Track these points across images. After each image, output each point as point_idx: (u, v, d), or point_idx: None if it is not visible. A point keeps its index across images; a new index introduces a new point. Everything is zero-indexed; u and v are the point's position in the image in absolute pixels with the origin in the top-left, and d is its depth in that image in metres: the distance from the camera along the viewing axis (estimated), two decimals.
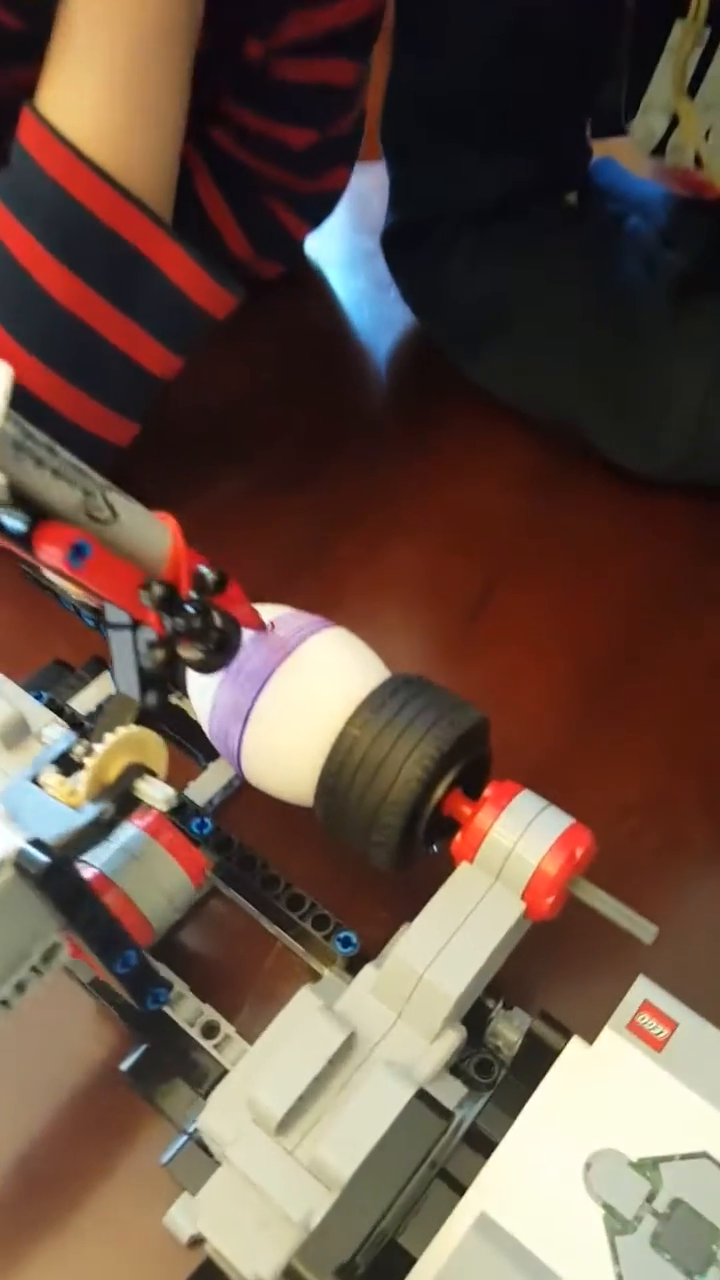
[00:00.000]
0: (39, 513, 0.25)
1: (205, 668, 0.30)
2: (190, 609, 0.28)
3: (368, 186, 0.72)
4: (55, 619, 0.50)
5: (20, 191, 0.42)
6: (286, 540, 0.54)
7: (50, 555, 0.25)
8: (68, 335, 0.44)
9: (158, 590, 0.27)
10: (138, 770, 0.30)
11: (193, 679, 0.37)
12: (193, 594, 0.29)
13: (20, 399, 0.45)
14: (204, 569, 0.29)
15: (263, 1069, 0.29)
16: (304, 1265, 0.27)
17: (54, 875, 0.28)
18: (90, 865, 0.35)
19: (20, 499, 0.25)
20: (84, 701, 0.45)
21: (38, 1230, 0.34)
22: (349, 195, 0.68)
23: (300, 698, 0.34)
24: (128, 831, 0.35)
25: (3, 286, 0.43)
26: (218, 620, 0.29)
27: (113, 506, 0.26)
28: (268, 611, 0.37)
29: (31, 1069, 0.37)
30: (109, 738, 0.29)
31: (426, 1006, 0.31)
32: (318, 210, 0.67)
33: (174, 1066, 0.35)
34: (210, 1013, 0.36)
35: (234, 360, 0.62)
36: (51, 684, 0.46)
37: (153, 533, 0.28)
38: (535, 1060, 0.31)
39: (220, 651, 0.29)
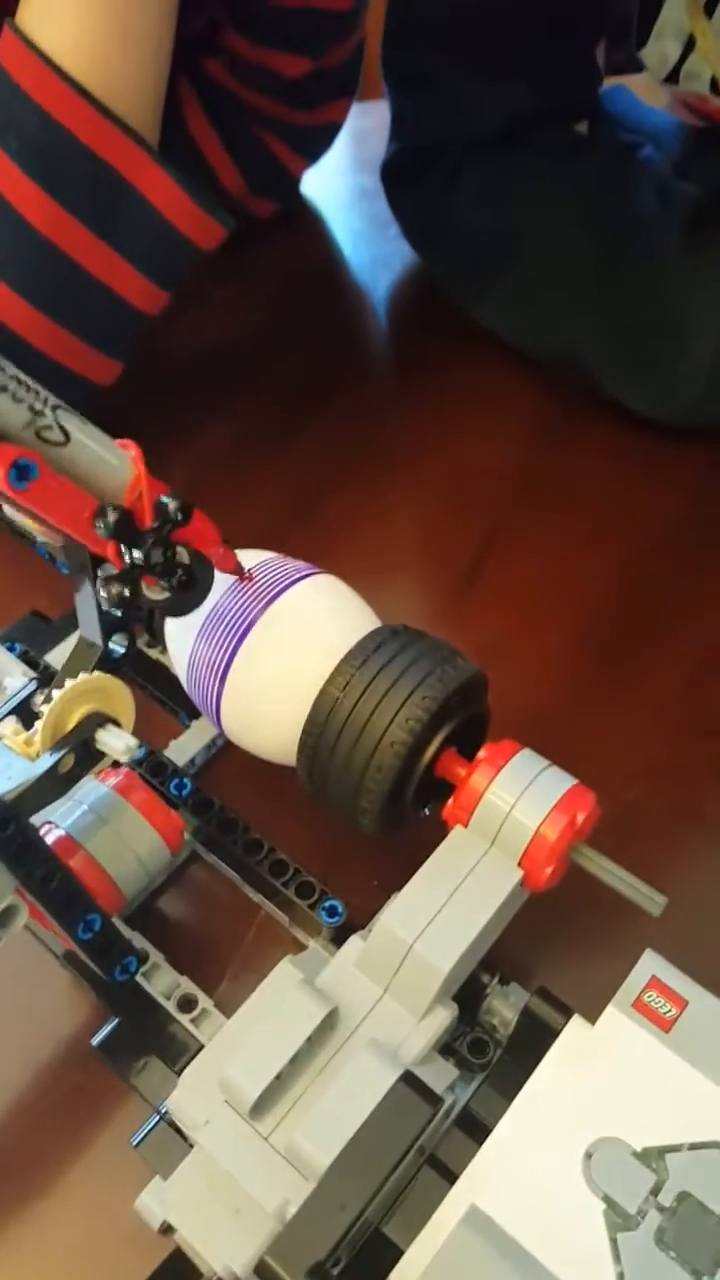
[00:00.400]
0: None
1: (172, 608, 0.27)
2: (150, 540, 0.26)
3: (367, 125, 0.70)
4: (35, 569, 0.47)
5: None
6: (274, 492, 0.51)
7: None
8: (45, 265, 0.42)
9: (112, 516, 0.25)
10: (99, 719, 0.27)
11: (171, 630, 0.35)
12: (155, 525, 0.26)
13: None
14: (165, 498, 0.26)
15: (237, 1047, 0.27)
16: (277, 1261, 0.24)
17: (1, 826, 0.25)
18: (57, 827, 0.32)
19: None
20: (60, 655, 0.43)
21: (1, 1213, 0.32)
22: (347, 133, 0.65)
23: (281, 649, 0.32)
24: (98, 791, 0.33)
25: None
26: (183, 555, 0.26)
27: (64, 428, 0.24)
28: (250, 557, 0.34)
29: None
30: (69, 684, 0.27)
31: (415, 981, 0.28)
32: (314, 145, 0.65)
33: (148, 1042, 0.33)
34: (188, 985, 0.34)
35: (225, 301, 0.59)
36: (27, 636, 0.43)
37: (110, 459, 0.25)
38: (533, 1040, 0.29)
39: (186, 590, 0.27)
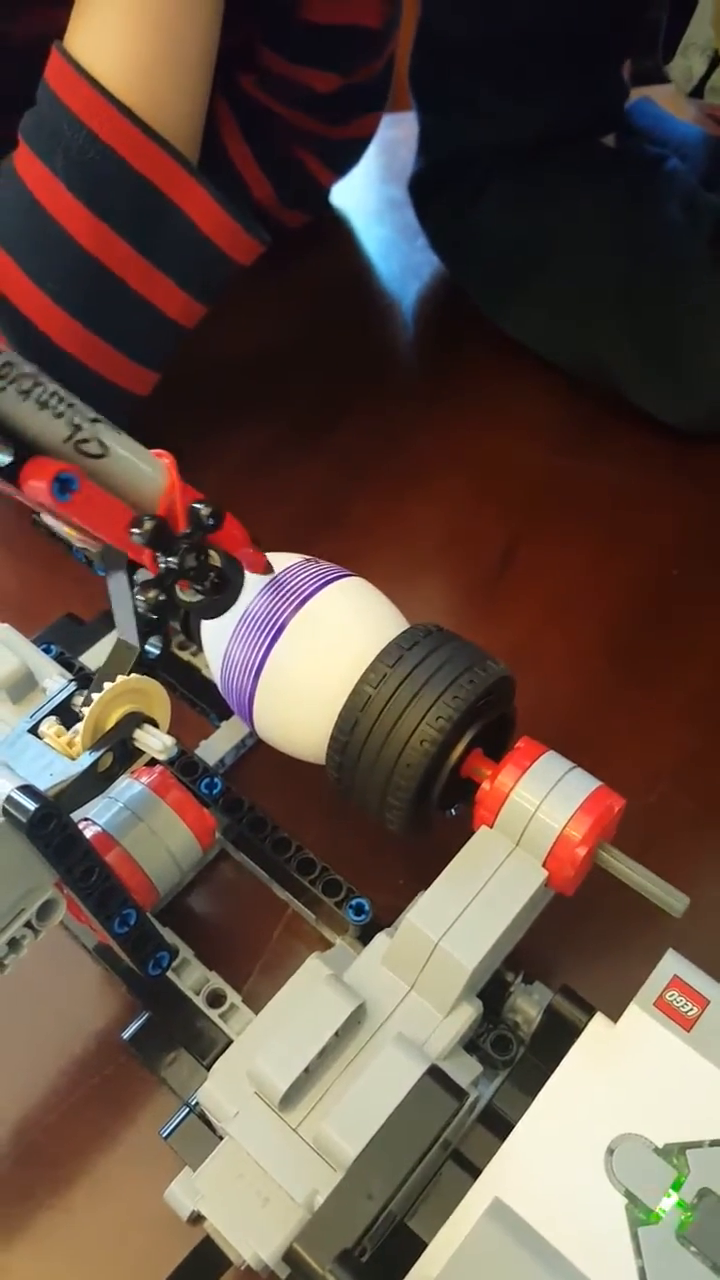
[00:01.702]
0: (25, 447, 0.24)
1: (205, 611, 0.28)
2: (184, 546, 0.27)
3: (395, 136, 0.70)
4: (69, 573, 0.49)
5: (45, 131, 0.41)
6: (304, 495, 0.52)
7: (36, 490, 0.23)
8: (89, 280, 0.43)
9: (149, 525, 0.25)
10: (137, 719, 0.28)
11: (207, 632, 0.36)
12: (188, 531, 0.27)
13: (38, 345, 0.44)
14: (198, 504, 0.27)
15: (267, 1040, 0.28)
16: (306, 1249, 0.25)
17: (43, 822, 0.26)
18: (94, 823, 0.33)
19: (6, 431, 0.23)
20: (95, 656, 0.44)
21: (33, 1202, 0.32)
22: (375, 144, 0.66)
23: (314, 649, 0.32)
24: (133, 789, 0.34)
25: (24, 229, 0.42)
26: (215, 559, 0.27)
27: (103, 441, 0.25)
28: (282, 559, 0.35)
29: (31, 1035, 0.35)
30: (107, 686, 0.28)
31: (441, 978, 0.29)
32: (345, 158, 0.65)
33: (177, 1036, 0.33)
34: (216, 980, 0.35)
35: (255, 311, 0.60)
36: (62, 638, 0.44)
37: (146, 470, 0.26)
38: (556, 1038, 0.29)
39: (219, 592, 0.28)
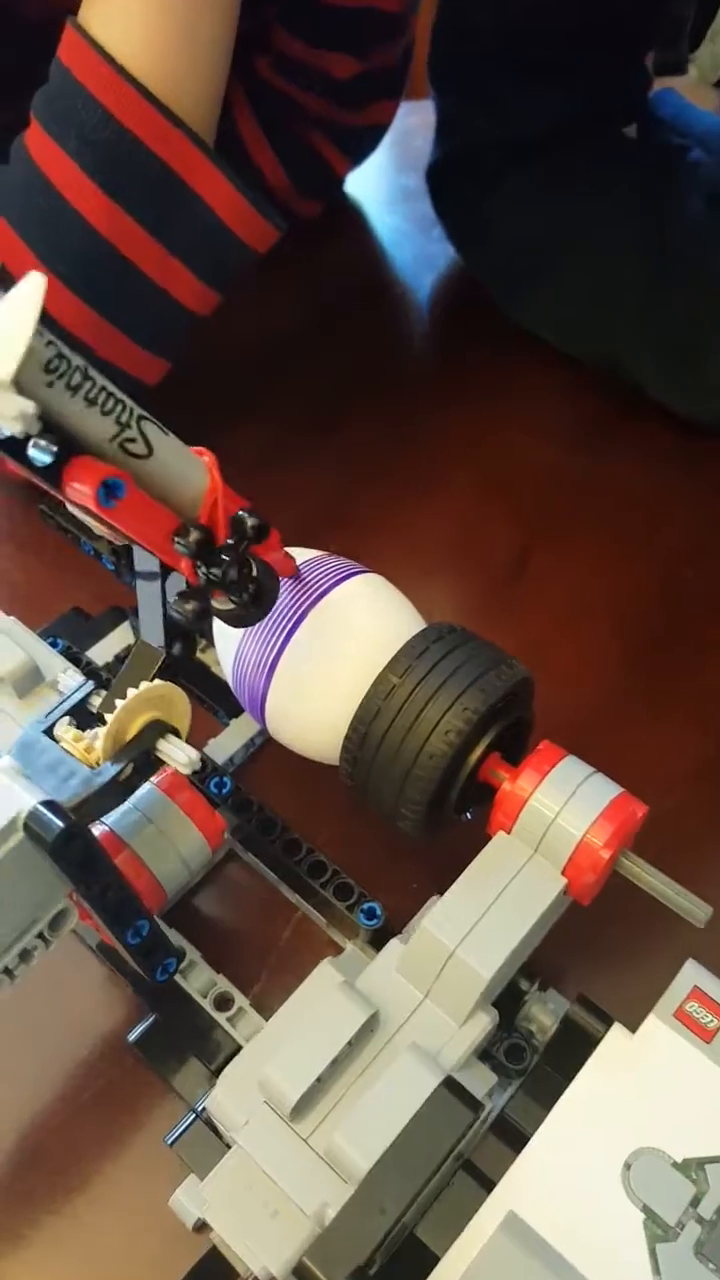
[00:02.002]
0: (68, 444, 0.23)
1: (239, 621, 0.27)
2: (227, 558, 0.26)
3: (411, 125, 0.69)
4: (76, 565, 0.48)
5: (58, 111, 0.40)
6: (311, 492, 0.51)
7: (79, 494, 0.22)
8: (103, 266, 0.42)
9: (194, 536, 0.24)
10: (160, 729, 0.27)
11: (219, 629, 0.35)
12: (229, 541, 0.26)
13: (50, 329, 0.43)
14: (244, 514, 0.26)
15: (278, 1048, 0.27)
16: (317, 1265, 0.24)
17: (68, 842, 0.25)
18: (101, 823, 0.32)
19: (50, 428, 0.22)
20: (101, 651, 0.43)
21: (35, 1207, 0.32)
22: (391, 133, 0.65)
23: (328, 648, 0.31)
24: (142, 789, 0.33)
25: (36, 210, 0.41)
26: (255, 570, 0.26)
27: (148, 439, 0.23)
28: (297, 554, 0.34)
29: (34, 1036, 0.35)
30: (132, 693, 0.27)
31: (456, 987, 0.28)
32: (360, 146, 0.64)
33: (184, 1040, 0.33)
34: (224, 984, 0.34)
35: (266, 300, 0.59)
36: (69, 632, 0.44)
37: (189, 471, 0.25)
38: (571, 1048, 0.29)
39: (256, 604, 0.26)
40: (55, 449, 0.22)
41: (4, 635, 0.37)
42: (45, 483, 0.23)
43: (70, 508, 0.24)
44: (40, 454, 0.22)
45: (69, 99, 0.40)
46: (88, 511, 0.23)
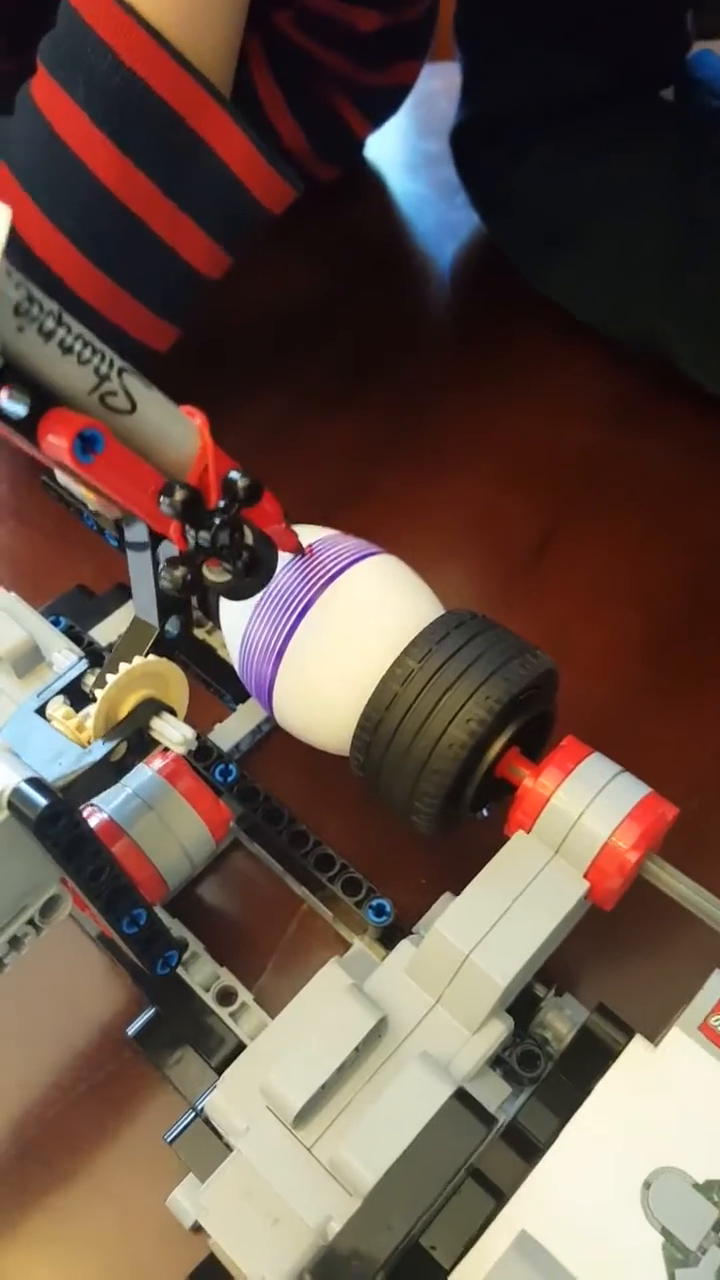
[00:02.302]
0: (45, 397, 0.21)
1: (234, 593, 0.26)
2: (217, 521, 0.24)
3: (434, 88, 0.67)
4: (81, 540, 0.46)
5: (66, 56, 0.38)
6: (325, 467, 0.49)
7: (55, 447, 0.21)
8: (110, 222, 0.40)
9: (180, 495, 0.23)
10: (154, 707, 0.26)
11: (225, 610, 0.34)
12: (221, 504, 0.25)
13: (53, 291, 0.41)
14: (235, 474, 0.25)
15: (281, 1052, 0.26)
16: None
17: (52, 819, 0.24)
18: (100, 810, 0.31)
19: (23, 378, 0.21)
20: (105, 631, 0.42)
21: (28, 1201, 0.31)
22: (413, 96, 0.63)
23: (340, 633, 0.30)
24: (143, 775, 0.32)
25: (41, 163, 0.39)
26: (249, 537, 0.25)
27: (130, 393, 0.22)
28: (309, 533, 0.33)
29: (31, 1026, 0.34)
30: (123, 668, 0.25)
31: (470, 993, 0.27)
32: (382, 107, 0.62)
33: (185, 1034, 0.32)
34: (227, 977, 0.33)
35: (281, 267, 0.58)
36: (72, 610, 0.42)
37: (177, 430, 0.24)
38: (588, 1058, 0.28)
39: (251, 574, 0.25)
40: (29, 401, 0.21)
41: (3, 613, 0.36)
42: (20, 437, 0.22)
43: (60, 477, 0.23)
44: (13, 405, 0.21)
45: (77, 43, 0.38)
46: (66, 470, 0.22)
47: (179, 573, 0.24)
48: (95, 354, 0.22)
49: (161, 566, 0.25)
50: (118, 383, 0.22)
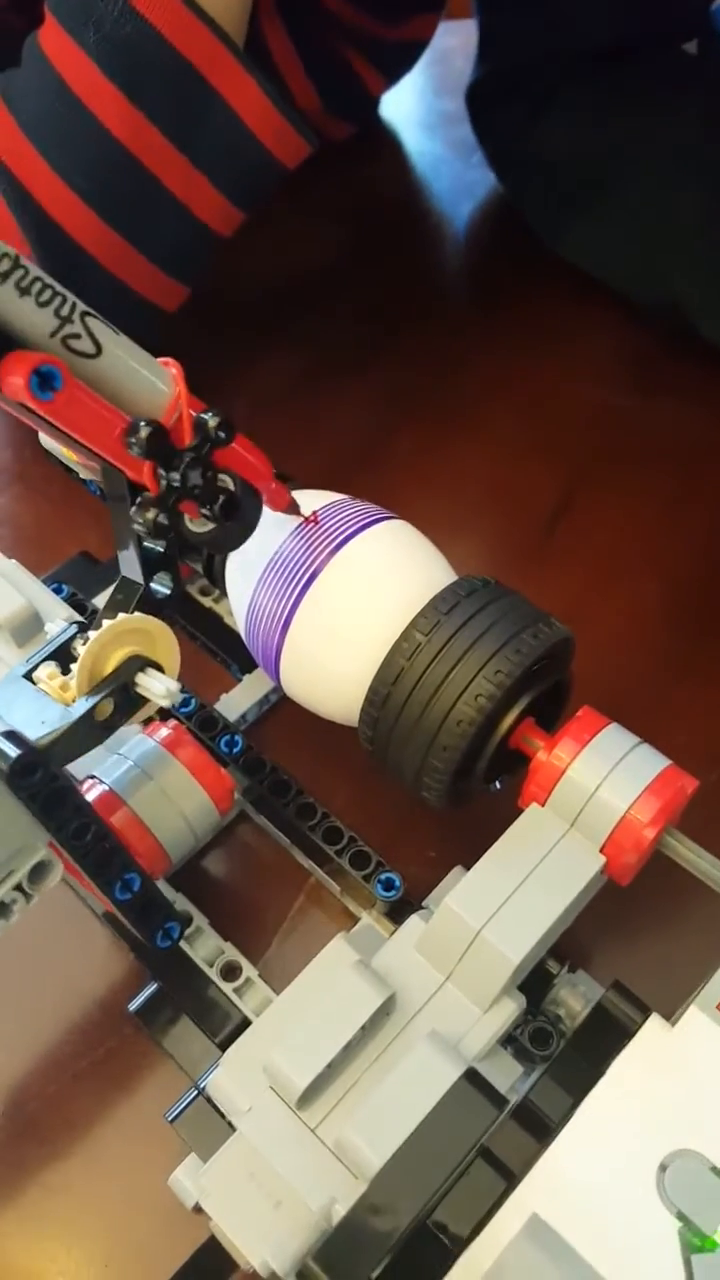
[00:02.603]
0: (4, 340, 0.21)
1: (216, 542, 0.25)
2: (189, 459, 0.23)
3: (450, 45, 0.66)
4: (85, 507, 0.46)
5: (76, 5, 0.37)
6: (340, 431, 0.48)
7: (13, 387, 0.20)
8: (121, 177, 0.39)
9: (145, 431, 0.22)
10: (139, 663, 0.25)
11: (231, 574, 0.33)
12: (193, 444, 0.24)
13: (61, 247, 0.40)
14: (206, 415, 0.24)
15: (286, 1030, 0.26)
16: (323, 1268, 0.23)
17: (26, 771, 0.23)
18: (101, 781, 0.30)
19: None
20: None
21: (28, 1178, 0.31)
22: (429, 54, 0.62)
23: (349, 601, 0.29)
24: (144, 745, 0.31)
25: (50, 115, 0.38)
26: (227, 481, 0.24)
27: (96, 338, 0.21)
28: (317, 498, 0.32)
29: (32, 1000, 0.33)
30: (106, 624, 0.25)
31: (482, 970, 0.26)
32: (397, 63, 0.61)
33: (188, 1010, 0.31)
34: (232, 952, 0.33)
35: (294, 229, 0.56)
36: (75, 578, 0.41)
37: (147, 375, 0.23)
38: (602, 1036, 0.27)
39: (229, 517, 0.24)
40: None
41: (4, 580, 0.35)
42: None
43: (43, 440, 0.22)
44: None
45: None
46: (31, 415, 0.21)
47: (151, 515, 0.23)
48: (55, 296, 0.21)
49: (134, 509, 0.24)
50: (80, 325, 0.21)
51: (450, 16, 0.60)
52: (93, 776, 0.30)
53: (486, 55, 0.56)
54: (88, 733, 0.25)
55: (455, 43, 0.65)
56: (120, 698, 0.25)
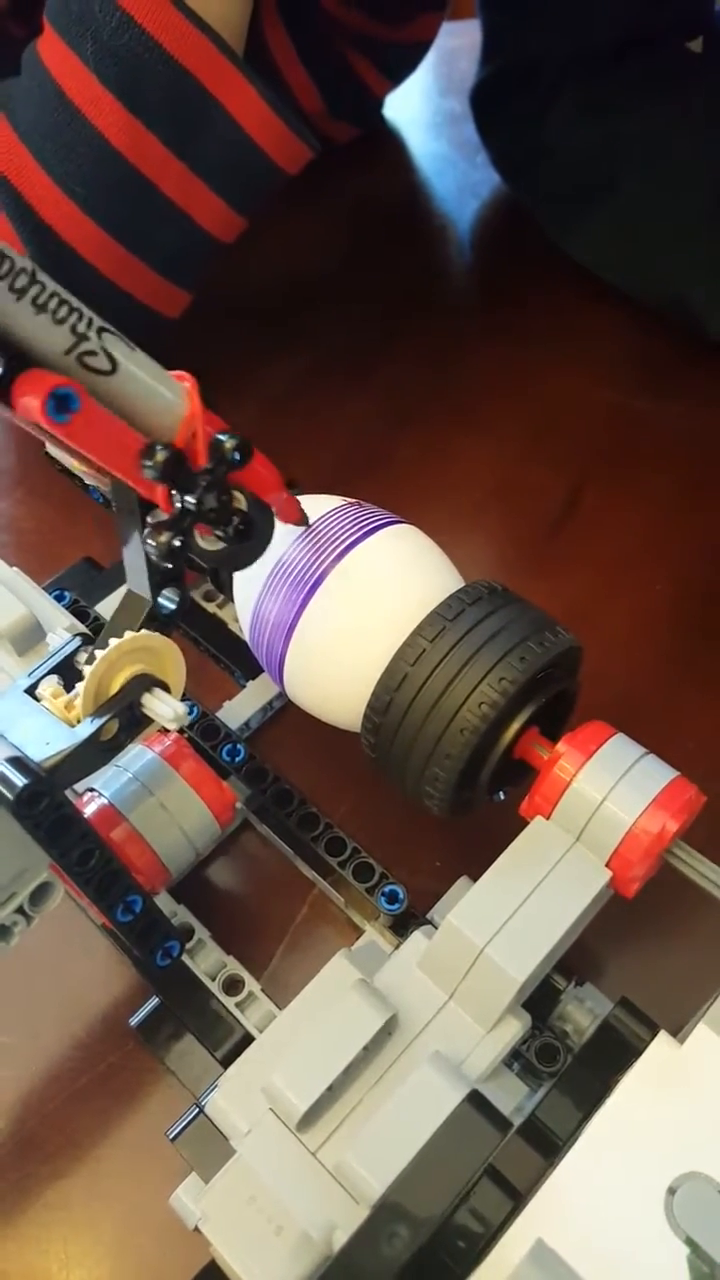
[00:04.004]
0: (20, 358, 0.20)
1: (228, 561, 0.24)
2: (203, 483, 0.23)
3: (454, 46, 0.66)
4: (89, 513, 0.45)
5: (74, 14, 0.37)
6: (344, 434, 0.48)
7: (29, 408, 0.19)
8: (119, 184, 0.38)
9: (161, 455, 0.21)
10: (145, 682, 0.25)
11: (236, 581, 0.32)
12: (208, 467, 0.23)
13: (61, 257, 0.39)
14: (222, 436, 0.23)
15: (286, 1051, 0.25)
16: None
17: (32, 800, 0.23)
18: (100, 795, 0.30)
19: None
20: (112, 606, 0.40)
21: (28, 1196, 0.30)
22: (433, 54, 0.62)
23: (354, 606, 0.29)
24: (144, 758, 0.30)
25: (49, 125, 0.38)
26: (241, 501, 0.23)
27: (111, 354, 0.21)
28: (323, 503, 0.31)
29: (31, 1015, 0.33)
30: (113, 643, 0.24)
31: (485, 989, 0.25)
32: (400, 65, 0.61)
33: (190, 1025, 0.31)
34: (234, 965, 0.32)
35: (298, 231, 0.56)
36: (78, 585, 0.41)
37: (163, 392, 0.22)
38: (610, 1053, 0.26)
39: (244, 539, 0.24)
40: (2, 362, 0.20)
41: (4, 587, 0.34)
42: None
43: (51, 449, 0.21)
44: None
45: (85, 1, 0.36)
46: (45, 434, 0.21)
47: (164, 538, 0.23)
48: (72, 313, 0.20)
49: (146, 531, 0.23)
50: (97, 342, 0.21)
51: (454, 17, 0.60)
52: (92, 790, 0.30)
53: (490, 55, 0.55)
54: (93, 754, 0.24)
55: (459, 43, 0.65)
56: (126, 718, 0.25)
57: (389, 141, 0.65)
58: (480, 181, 0.60)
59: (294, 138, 0.39)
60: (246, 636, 0.32)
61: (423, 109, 0.66)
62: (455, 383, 0.50)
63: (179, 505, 0.23)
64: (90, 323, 0.21)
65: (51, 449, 0.22)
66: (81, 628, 0.34)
